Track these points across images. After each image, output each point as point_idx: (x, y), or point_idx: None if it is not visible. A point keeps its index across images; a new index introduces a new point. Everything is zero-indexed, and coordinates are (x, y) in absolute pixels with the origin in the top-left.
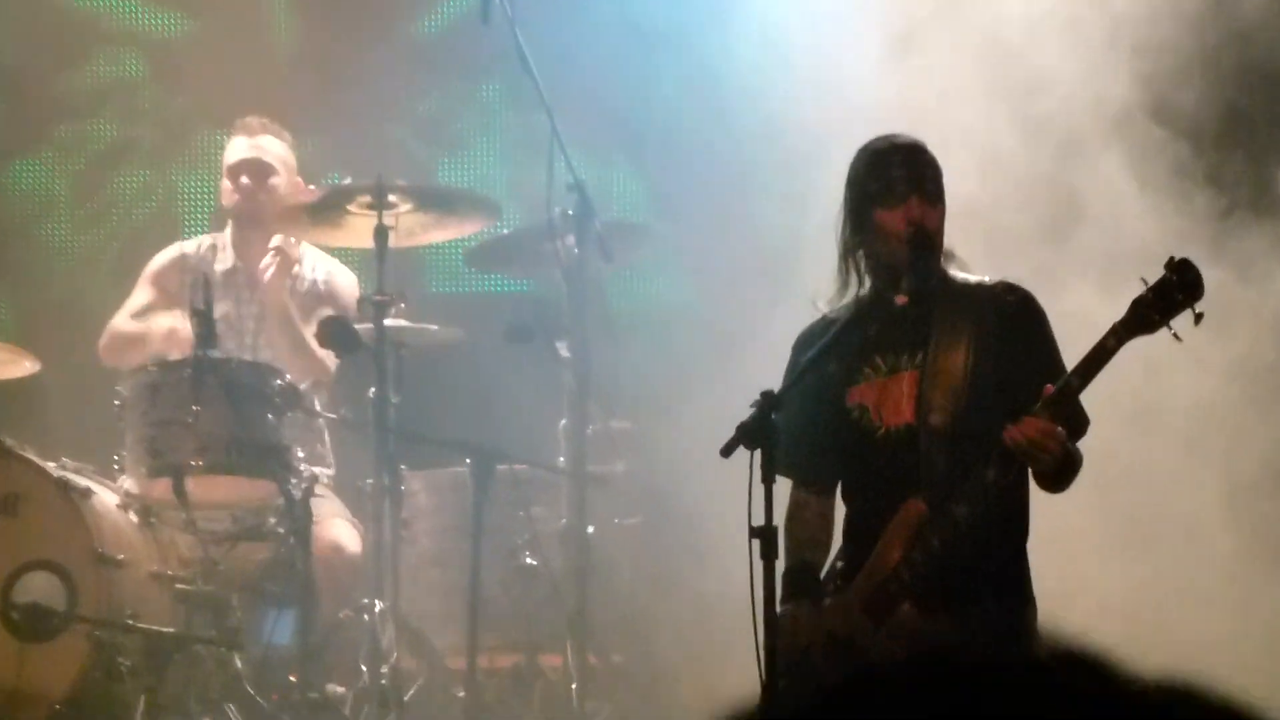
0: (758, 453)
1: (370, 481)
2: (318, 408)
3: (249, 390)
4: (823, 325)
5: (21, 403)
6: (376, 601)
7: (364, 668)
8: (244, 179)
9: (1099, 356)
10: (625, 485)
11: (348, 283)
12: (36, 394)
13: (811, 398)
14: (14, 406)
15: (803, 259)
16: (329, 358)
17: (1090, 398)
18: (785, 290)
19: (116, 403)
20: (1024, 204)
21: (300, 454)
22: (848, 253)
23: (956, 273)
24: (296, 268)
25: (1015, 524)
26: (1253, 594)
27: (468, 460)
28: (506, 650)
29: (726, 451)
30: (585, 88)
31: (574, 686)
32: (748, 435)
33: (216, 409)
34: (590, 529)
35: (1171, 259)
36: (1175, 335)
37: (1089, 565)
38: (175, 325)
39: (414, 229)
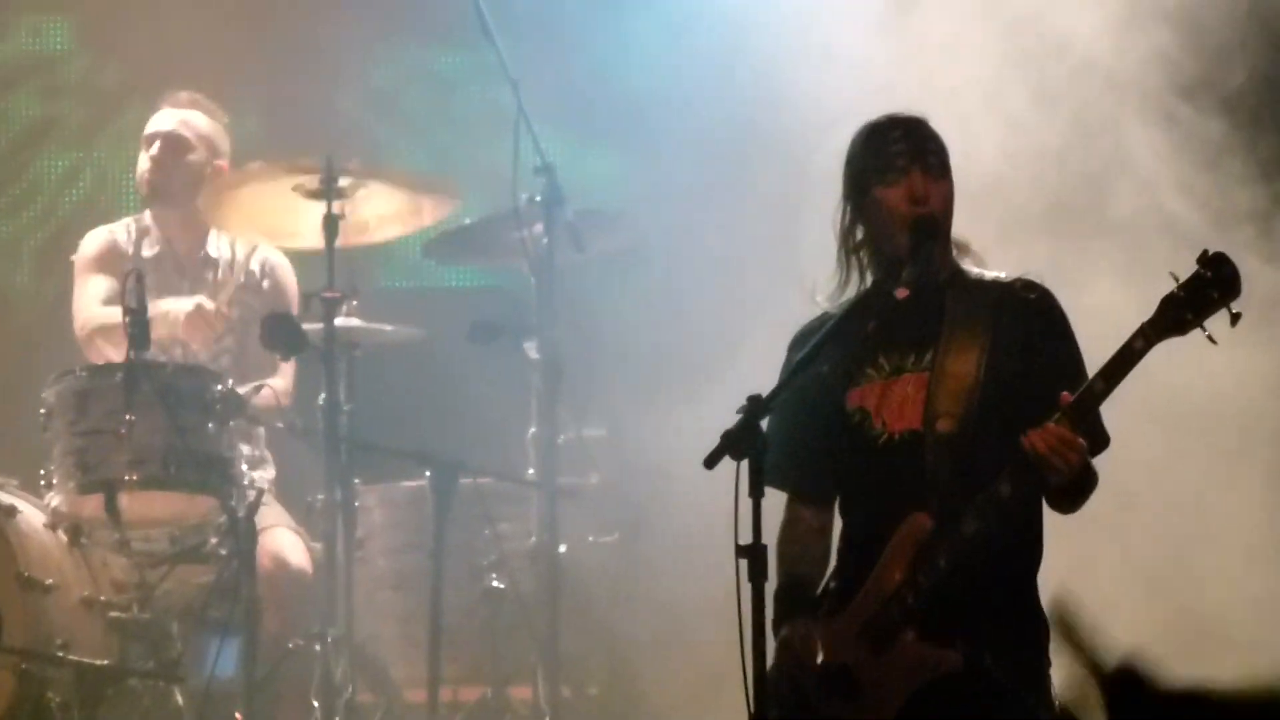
0: (745, 464)
1: (321, 497)
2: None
3: (186, 396)
4: (820, 323)
5: None
6: (328, 629)
7: (316, 703)
8: (155, 149)
9: (1125, 359)
10: (600, 499)
11: (290, 274)
12: None
13: (807, 401)
14: None
15: (798, 248)
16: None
17: (1115, 406)
18: (778, 283)
19: (42, 411)
20: (1039, 186)
21: (244, 466)
22: (847, 242)
23: (970, 267)
24: (222, 253)
25: (1029, 544)
26: None
27: (427, 473)
28: (471, 682)
29: (710, 462)
30: (553, 58)
31: None
32: (734, 444)
33: (151, 418)
34: (562, 548)
35: (1205, 252)
36: (1210, 338)
37: (1111, 595)
38: (166, 310)
39: (366, 223)
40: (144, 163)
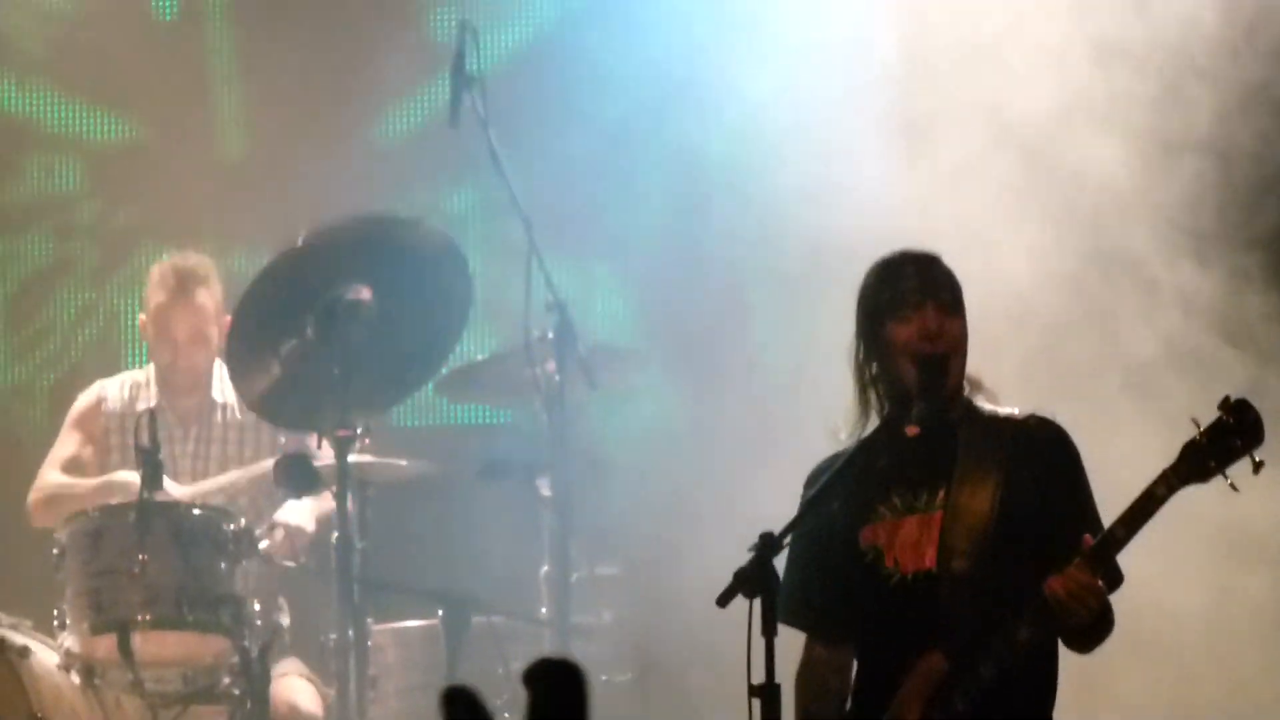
0: (758, 602)
1: (334, 636)
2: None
3: (199, 536)
4: (833, 460)
5: None
6: None
7: None
8: (179, 338)
9: (1146, 507)
10: (613, 638)
11: None
12: None
13: (820, 539)
14: None
15: (813, 383)
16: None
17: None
18: (792, 419)
19: (55, 551)
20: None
21: (256, 606)
22: (862, 376)
23: (983, 403)
24: (227, 396)
25: (1044, 683)
26: None
27: (440, 611)
28: None
29: (723, 601)
30: (564, 194)
31: None
32: (746, 583)
33: (164, 557)
34: None
35: (1226, 399)
36: (1232, 485)
37: None
38: (112, 478)
39: None
40: (161, 345)
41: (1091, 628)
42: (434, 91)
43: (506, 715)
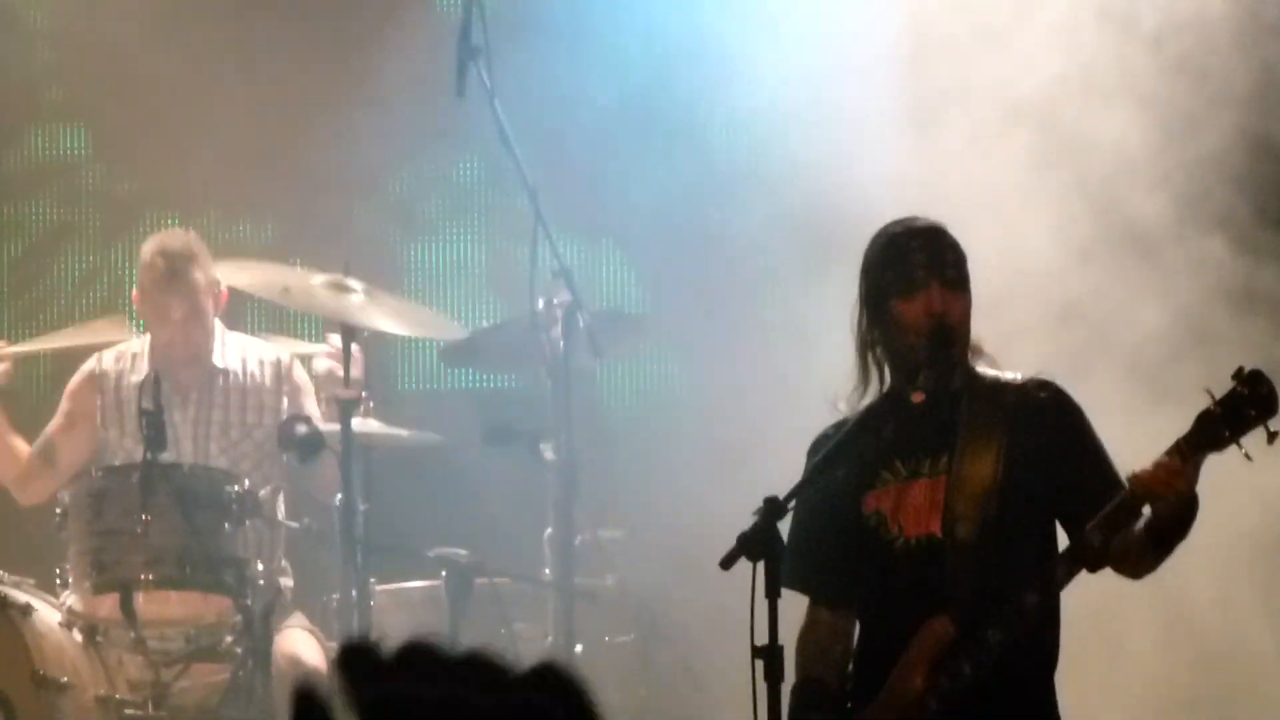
0: (761, 565)
1: (336, 597)
2: (280, 516)
3: (202, 497)
4: (839, 427)
5: None
6: None
7: None
8: (176, 326)
9: None
10: (616, 600)
11: (301, 370)
12: None
13: (824, 504)
14: None
15: (817, 351)
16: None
17: None
18: (796, 387)
19: (58, 511)
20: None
21: (260, 567)
22: (865, 348)
23: (985, 369)
24: (229, 361)
25: (1048, 647)
26: None
27: (443, 573)
28: None
29: (727, 564)
30: (570, 165)
31: None
32: (749, 546)
33: (167, 518)
34: (578, 648)
35: (1240, 370)
36: (1246, 455)
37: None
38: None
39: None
40: (156, 321)
41: (1179, 522)
42: (440, 62)
43: None
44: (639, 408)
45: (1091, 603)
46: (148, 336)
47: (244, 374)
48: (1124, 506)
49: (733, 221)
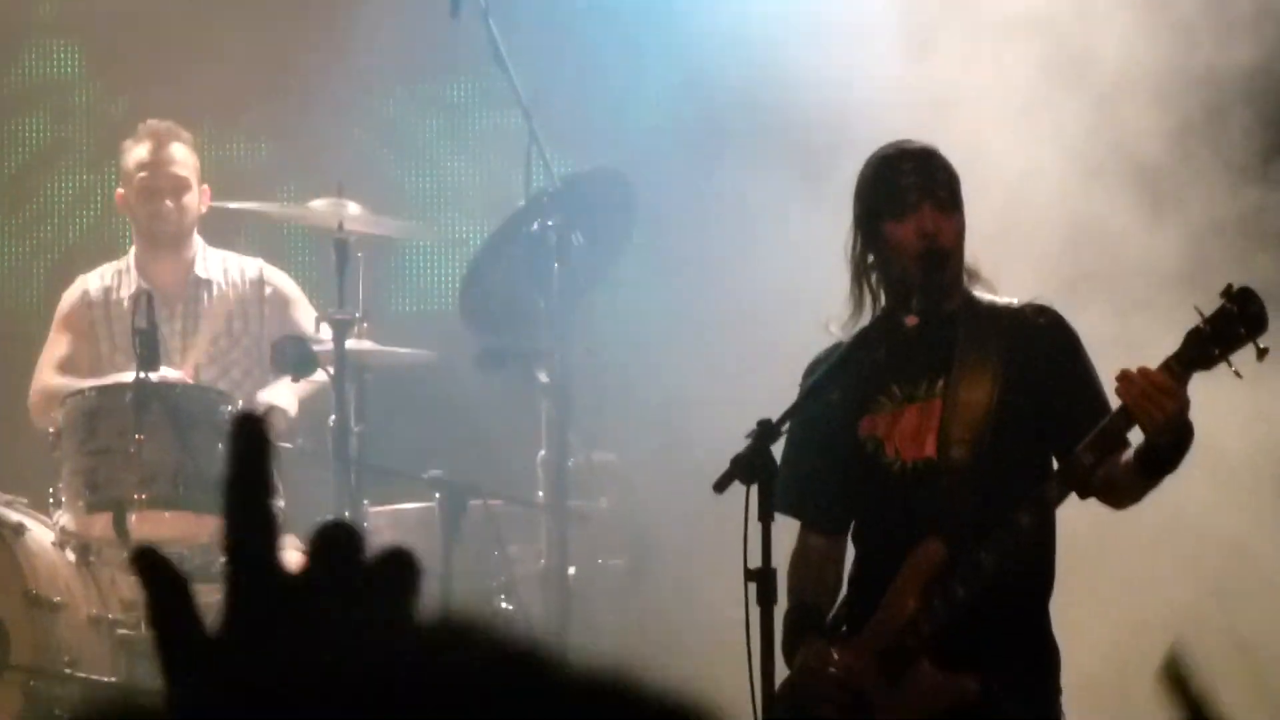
0: (754, 488)
1: (329, 518)
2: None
3: (196, 417)
4: (833, 351)
5: None
6: None
7: None
8: (162, 199)
9: None
10: (609, 523)
11: (290, 282)
12: None
13: (818, 429)
14: None
15: (813, 275)
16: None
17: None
18: (791, 309)
19: (51, 430)
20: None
21: None
22: (858, 271)
23: (981, 293)
24: (213, 274)
25: (1042, 572)
26: None
27: (437, 495)
28: None
29: (720, 487)
30: (565, 86)
31: None
32: (743, 469)
33: (161, 437)
34: (571, 570)
35: (1229, 287)
36: (1236, 373)
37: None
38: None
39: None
40: (144, 210)
41: (1173, 448)
42: None
43: (502, 597)
44: (632, 331)
45: (1085, 529)
46: (133, 250)
47: (226, 283)
48: (1116, 425)
49: (728, 141)
